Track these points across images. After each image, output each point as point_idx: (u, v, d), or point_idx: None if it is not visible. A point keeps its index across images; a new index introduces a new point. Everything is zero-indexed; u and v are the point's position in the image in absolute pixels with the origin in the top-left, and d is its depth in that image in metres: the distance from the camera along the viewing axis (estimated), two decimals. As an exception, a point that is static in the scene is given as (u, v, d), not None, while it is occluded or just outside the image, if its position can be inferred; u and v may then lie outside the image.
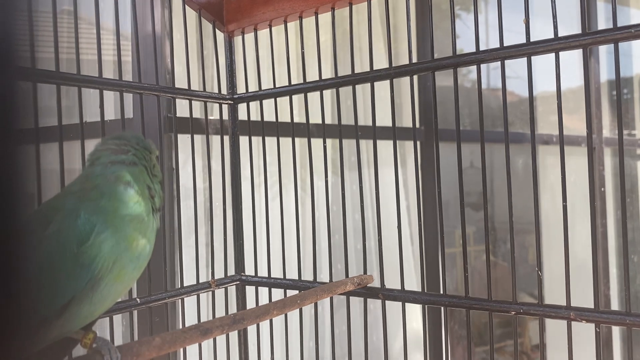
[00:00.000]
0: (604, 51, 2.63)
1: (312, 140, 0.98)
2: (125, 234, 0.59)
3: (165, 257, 0.89)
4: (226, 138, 1.05)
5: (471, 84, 2.55)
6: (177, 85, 0.95)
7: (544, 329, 0.77)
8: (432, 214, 1.80)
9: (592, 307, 0.73)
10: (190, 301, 0.96)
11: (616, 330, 2.47)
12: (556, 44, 0.74)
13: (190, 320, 0.93)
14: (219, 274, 1.01)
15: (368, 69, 0.90)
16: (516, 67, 0.80)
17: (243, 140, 1.06)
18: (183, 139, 1.21)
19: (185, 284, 0.94)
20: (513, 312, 0.78)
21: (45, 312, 0.55)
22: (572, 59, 0.78)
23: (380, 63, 2.07)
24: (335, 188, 1.59)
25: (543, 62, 0.77)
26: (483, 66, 0.82)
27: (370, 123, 0.91)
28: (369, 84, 0.90)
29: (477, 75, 0.81)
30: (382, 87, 0.95)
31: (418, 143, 2.06)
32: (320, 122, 0.96)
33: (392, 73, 0.88)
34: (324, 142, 0.96)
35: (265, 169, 1.02)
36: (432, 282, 1.89)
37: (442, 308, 0.85)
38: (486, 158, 0.79)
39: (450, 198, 0.79)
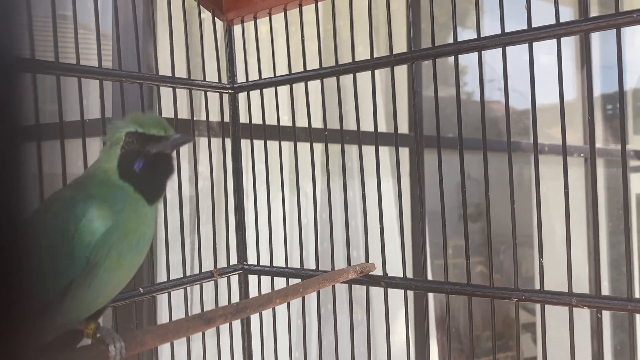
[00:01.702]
0: (598, 65, 2.62)
1: (313, 130, 0.98)
2: (117, 223, 0.59)
3: (167, 248, 0.89)
4: (228, 129, 1.05)
5: (466, 96, 2.54)
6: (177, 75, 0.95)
7: (544, 317, 0.78)
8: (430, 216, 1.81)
9: (594, 293, 0.73)
10: (193, 291, 0.96)
11: (607, 320, 2.47)
12: (558, 30, 0.74)
13: (194, 309, 0.94)
14: (222, 263, 1.01)
15: (368, 57, 0.90)
16: (511, 81, 0.79)
17: (244, 130, 1.06)
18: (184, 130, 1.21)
19: (188, 274, 0.94)
20: (515, 299, 0.78)
21: (47, 296, 0.56)
22: (566, 70, 0.78)
23: (380, 52, 2.06)
24: (335, 186, 1.59)
25: (538, 73, 0.77)
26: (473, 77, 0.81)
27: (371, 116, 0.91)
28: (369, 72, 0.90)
29: (479, 63, 0.81)
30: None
31: (408, 150, 2.06)
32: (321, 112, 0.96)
33: (392, 60, 0.88)
34: (325, 132, 0.96)
35: (267, 162, 1.01)
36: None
37: (445, 295, 0.85)
38: (482, 168, 0.79)
39: (446, 209, 0.79)
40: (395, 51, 0.88)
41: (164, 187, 0.65)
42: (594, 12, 2.60)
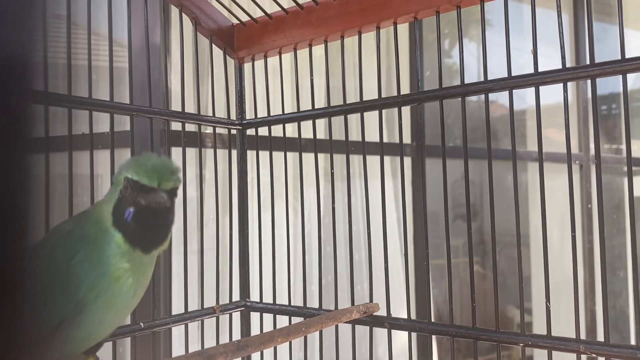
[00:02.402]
0: None
1: (320, 162, 0.98)
2: (105, 270, 0.57)
3: (170, 282, 0.89)
4: (234, 163, 1.06)
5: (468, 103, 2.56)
6: (186, 110, 0.96)
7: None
8: (424, 227, 1.80)
9: (602, 340, 0.72)
10: (194, 327, 0.95)
11: None
12: (564, 75, 0.75)
13: (194, 346, 0.92)
14: (224, 299, 1.00)
15: (376, 97, 0.91)
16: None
17: (250, 164, 1.06)
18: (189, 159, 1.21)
19: (189, 309, 0.93)
20: (521, 344, 0.77)
21: (41, 329, 0.55)
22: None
23: (387, 91, 2.08)
24: (339, 221, 1.59)
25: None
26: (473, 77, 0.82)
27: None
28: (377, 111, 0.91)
29: (485, 104, 0.82)
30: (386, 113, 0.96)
31: (410, 159, 2.07)
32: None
33: (400, 101, 0.89)
34: (332, 168, 0.96)
35: (273, 195, 1.02)
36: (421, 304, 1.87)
37: (450, 338, 0.83)
38: (478, 173, 0.80)
39: (439, 211, 0.80)
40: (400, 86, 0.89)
41: (159, 239, 0.62)
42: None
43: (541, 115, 0.77)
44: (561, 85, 0.75)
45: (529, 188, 2.58)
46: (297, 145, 0.99)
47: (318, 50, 0.99)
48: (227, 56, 1.06)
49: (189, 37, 0.98)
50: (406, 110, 1.95)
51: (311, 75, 0.99)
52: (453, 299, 0.85)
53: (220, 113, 1.04)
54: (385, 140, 0.92)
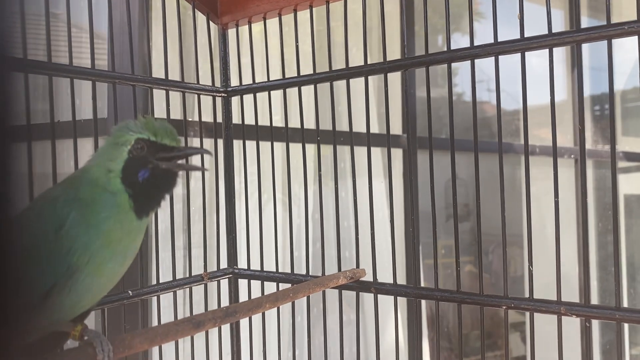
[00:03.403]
0: (587, 66, 2.65)
1: (305, 132, 0.98)
2: (100, 231, 0.57)
3: (157, 250, 0.89)
4: (219, 133, 1.05)
5: (456, 97, 2.56)
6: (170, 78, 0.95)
7: (533, 324, 0.78)
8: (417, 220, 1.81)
9: (582, 302, 0.74)
10: (182, 294, 0.96)
11: (596, 329, 2.48)
12: (550, 40, 0.74)
13: (183, 313, 0.94)
14: (212, 267, 1.01)
15: (362, 63, 0.90)
16: (502, 82, 0.80)
17: (236, 132, 1.06)
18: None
19: (177, 277, 0.94)
20: (504, 307, 0.79)
21: (29, 297, 0.55)
22: (556, 71, 0.79)
23: (373, 55, 2.07)
24: (327, 188, 1.59)
25: (528, 74, 0.77)
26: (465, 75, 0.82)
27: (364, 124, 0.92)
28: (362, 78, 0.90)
29: (472, 72, 0.81)
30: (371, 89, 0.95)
31: (402, 150, 2.07)
32: (314, 117, 0.96)
33: (386, 67, 0.88)
34: (318, 136, 0.96)
35: (259, 164, 1.01)
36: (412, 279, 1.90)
37: (435, 302, 0.85)
38: (472, 170, 0.80)
39: (435, 209, 0.80)
40: (388, 55, 0.88)
41: (159, 203, 0.63)
42: (583, 15, 2.63)
43: (536, 115, 0.77)
44: (558, 84, 0.75)
45: (524, 184, 2.57)
46: (283, 113, 0.99)
47: (303, 15, 0.98)
48: (210, 22, 1.04)
49: (171, 3, 0.95)
50: (397, 105, 1.92)
51: (296, 41, 0.97)
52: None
53: (204, 82, 1.03)
54: (376, 131, 0.92)
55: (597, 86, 2.95)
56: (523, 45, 0.76)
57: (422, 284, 2.03)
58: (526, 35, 0.76)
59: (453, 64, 0.83)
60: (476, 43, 0.80)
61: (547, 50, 0.75)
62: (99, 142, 0.83)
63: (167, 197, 0.63)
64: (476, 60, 0.81)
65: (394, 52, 1.97)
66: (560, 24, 2.59)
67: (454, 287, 0.83)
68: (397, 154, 2.06)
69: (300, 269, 0.99)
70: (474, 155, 0.81)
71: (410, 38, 2.00)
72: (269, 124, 1.01)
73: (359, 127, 1.00)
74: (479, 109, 2.67)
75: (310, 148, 1.00)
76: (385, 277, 0.91)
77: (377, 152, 1.83)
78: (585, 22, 2.79)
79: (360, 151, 0.93)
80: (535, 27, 0.79)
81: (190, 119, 1.38)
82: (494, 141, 2.50)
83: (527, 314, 0.78)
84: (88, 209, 0.57)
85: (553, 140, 0.76)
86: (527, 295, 0.78)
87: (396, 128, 2.05)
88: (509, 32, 0.79)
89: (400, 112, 2.02)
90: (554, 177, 0.76)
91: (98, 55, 0.84)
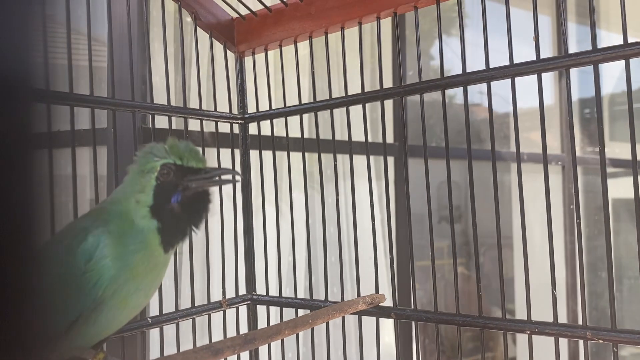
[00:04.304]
0: (575, 70, 2.62)
1: (322, 155, 0.99)
2: (127, 265, 0.57)
3: (176, 277, 0.89)
4: (237, 155, 1.06)
5: (448, 99, 2.55)
6: (189, 106, 0.96)
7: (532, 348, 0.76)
8: (405, 228, 1.80)
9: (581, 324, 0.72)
10: (201, 321, 0.95)
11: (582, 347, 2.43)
12: (539, 66, 0.76)
13: (201, 340, 0.93)
14: (230, 293, 1.00)
15: (378, 87, 0.91)
16: (493, 84, 0.81)
17: (253, 159, 1.06)
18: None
19: (196, 304, 0.93)
20: (528, 332, 0.77)
21: (54, 328, 0.55)
22: (545, 77, 0.79)
23: (387, 82, 2.08)
24: (346, 205, 1.59)
25: (518, 79, 0.78)
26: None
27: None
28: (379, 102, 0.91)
29: (488, 95, 0.82)
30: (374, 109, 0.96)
31: (393, 158, 2.07)
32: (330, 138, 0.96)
33: (401, 91, 0.88)
34: (334, 159, 0.96)
35: (276, 188, 1.02)
36: (404, 297, 1.87)
37: (457, 328, 0.84)
38: (463, 174, 0.80)
39: (425, 212, 0.80)
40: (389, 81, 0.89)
41: (189, 231, 0.62)
42: (571, 22, 2.60)
43: (525, 118, 0.78)
44: (547, 89, 0.76)
45: (513, 189, 2.60)
46: (300, 142, 0.99)
47: (320, 42, 0.99)
48: (227, 50, 1.05)
49: (169, 26, 0.97)
50: (388, 111, 1.94)
51: (312, 67, 0.98)
52: (437, 296, 0.86)
53: (209, 107, 1.04)
54: (369, 139, 0.93)
55: (586, 89, 2.91)
56: (539, 66, 0.76)
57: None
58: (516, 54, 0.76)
59: (445, 67, 0.85)
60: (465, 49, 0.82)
61: (530, 46, 0.76)
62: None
63: (200, 226, 0.62)
64: (468, 63, 0.82)
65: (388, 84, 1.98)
66: (547, 31, 2.56)
67: (449, 291, 0.82)
68: (390, 161, 2.06)
69: (319, 295, 0.98)
70: (468, 165, 0.81)
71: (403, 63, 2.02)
72: (285, 147, 1.02)
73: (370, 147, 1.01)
74: (470, 111, 2.66)
75: (327, 173, 1.00)
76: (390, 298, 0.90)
77: (379, 161, 1.83)
78: (573, 29, 2.74)
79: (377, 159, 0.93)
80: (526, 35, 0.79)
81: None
82: (484, 149, 2.50)
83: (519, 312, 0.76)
84: (116, 241, 0.57)
85: (544, 152, 0.75)
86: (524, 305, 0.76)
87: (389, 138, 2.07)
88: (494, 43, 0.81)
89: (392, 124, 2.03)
90: (545, 187, 0.75)
91: (97, 85, 0.84)
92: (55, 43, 0.78)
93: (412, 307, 0.88)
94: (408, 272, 0.89)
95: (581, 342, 0.72)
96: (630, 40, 0.69)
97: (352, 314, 0.88)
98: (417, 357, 0.89)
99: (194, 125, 1.01)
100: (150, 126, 0.90)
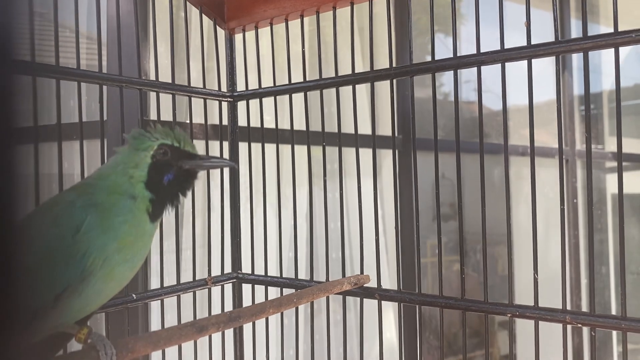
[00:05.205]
0: (576, 67, 2.65)
1: (311, 142, 0.98)
2: (115, 235, 0.58)
3: (161, 255, 0.89)
4: (225, 136, 1.05)
5: (443, 97, 2.55)
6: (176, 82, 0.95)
7: (538, 332, 0.77)
8: (408, 223, 1.80)
9: (587, 311, 0.73)
10: (186, 298, 0.96)
11: (586, 338, 2.49)
12: (557, 48, 0.74)
13: (186, 317, 0.93)
14: (216, 271, 1.01)
15: (369, 69, 0.90)
16: (488, 81, 0.80)
17: (241, 136, 1.06)
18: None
19: (182, 281, 0.94)
20: (509, 315, 0.78)
21: (41, 301, 0.55)
22: (545, 72, 0.78)
23: (378, 64, 2.07)
24: (332, 190, 1.59)
25: (516, 74, 0.78)
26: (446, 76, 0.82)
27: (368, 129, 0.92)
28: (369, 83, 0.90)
29: (478, 78, 0.81)
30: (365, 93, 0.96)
31: (395, 152, 2.08)
32: (319, 123, 0.96)
33: (392, 73, 0.88)
34: (323, 141, 0.96)
35: (264, 169, 1.01)
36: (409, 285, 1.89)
37: (439, 309, 0.85)
38: (465, 168, 0.80)
39: (422, 209, 0.80)
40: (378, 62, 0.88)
41: (175, 205, 0.65)
42: (572, 16, 2.61)
43: (523, 114, 0.77)
44: (548, 84, 0.75)
45: (512, 183, 2.59)
46: (289, 117, 0.99)
47: (312, 20, 0.98)
48: (217, 27, 1.04)
49: (179, 7, 0.96)
50: (387, 103, 1.92)
51: (302, 47, 0.98)
52: (430, 284, 0.87)
53: (210, 86, 1.03)
54: (369, 132, 0.93)
55: (584, 80, 2.93)
56: (530, 52, 0.76)
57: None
58: (508, 42, 0.76)
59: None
60: (460, 45, 0.81)
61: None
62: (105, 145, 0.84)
63: (183, 199, 0.66)
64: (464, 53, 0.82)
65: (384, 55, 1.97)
66: (547, 31, 2.56)
67: (445, 287, 0.83)
68: (388, 154, 2.06)
69: (303, 274, 0.99)
70: (456, 156, 0.81)
71: (403, 45, 2.01)
72: (274, 128, 1.01)
73: (361, 129, 1.00)
74: (466, 109, 2.67)
75: (315, 152, 1.00)
76: (375, 280, 0.91)
77: (387, 154, 1.83)
78: (573, 24, 2.75)
79: (366, 154, 0.93)
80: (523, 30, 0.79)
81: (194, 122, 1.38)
82: (487, 142, 2.50)
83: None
84: (105, 213, 0.58)
85: (531, 143, 0.76)
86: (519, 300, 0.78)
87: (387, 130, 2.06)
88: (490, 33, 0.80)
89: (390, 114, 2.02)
90: (531, 177, 0.75)
91: (90, 58, 0.84)
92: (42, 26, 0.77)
93: (397, 288, 0.89)
94: (399, 256, 0.89)
95: (586, 336, 0.73)
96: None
97: (337, 294, 0.89)
98: (399, 339, 0.90)
99: (180, 101, 1.00)
100: (152, 118, 0.89)
